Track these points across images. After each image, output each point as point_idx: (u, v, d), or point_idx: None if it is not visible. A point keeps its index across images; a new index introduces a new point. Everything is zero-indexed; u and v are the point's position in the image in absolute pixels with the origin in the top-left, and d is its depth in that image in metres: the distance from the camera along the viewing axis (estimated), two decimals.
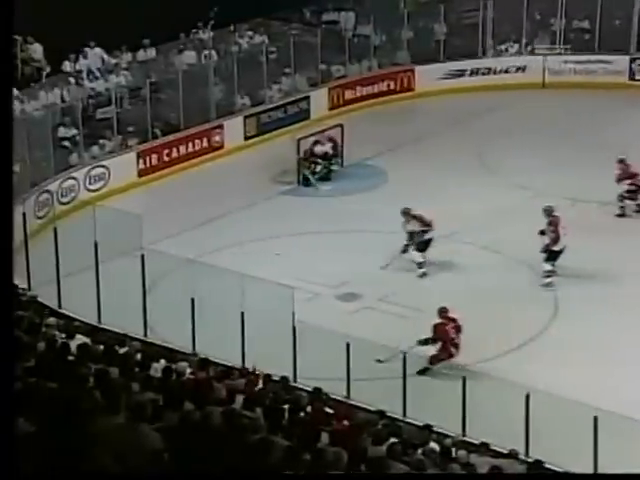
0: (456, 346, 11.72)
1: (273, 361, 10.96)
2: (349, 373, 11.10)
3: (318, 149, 17.62)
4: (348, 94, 20.84)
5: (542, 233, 13.73)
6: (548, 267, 13.63)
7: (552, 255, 13.66)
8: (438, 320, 11.81)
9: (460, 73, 21.68)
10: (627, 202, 15.71)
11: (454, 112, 20.25)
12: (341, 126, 18.20)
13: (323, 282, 14.03)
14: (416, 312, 13.18)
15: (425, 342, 11.74)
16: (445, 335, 11.66)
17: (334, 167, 17.80)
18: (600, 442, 9.34)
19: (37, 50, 18.15)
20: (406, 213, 14.25)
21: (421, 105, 21.07)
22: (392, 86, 21.36)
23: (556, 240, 13.61)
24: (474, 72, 21.72)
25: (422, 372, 11.68)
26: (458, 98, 21.00)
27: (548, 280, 13.65)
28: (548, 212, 13.87)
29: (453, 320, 11.80)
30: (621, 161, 15.62)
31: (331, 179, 17.59)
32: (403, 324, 12.80)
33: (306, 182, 17.52)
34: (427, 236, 14.05)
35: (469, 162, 18.02)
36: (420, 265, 14.04)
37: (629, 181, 15.64)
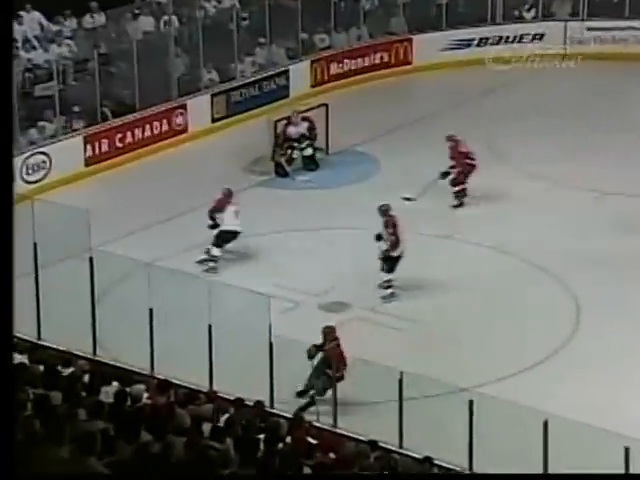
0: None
1: (246, 382, 10.96)
2: (336, 397, 11.12)
3: (292, 131, 17.58)
4: (334, 68, 20.88)
5: (379, 238, 13.65)
6: (388, 277, 13.57)
7: (390, 262, 13.59)
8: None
9: (466, 43, 21.78)
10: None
11: (458, 89, 20.34)
12: (326, 106, 18.22)
13: (304, 289, 14.07)
14: (412, 324, 13.23)
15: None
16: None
17: (318, 154, 17.81)
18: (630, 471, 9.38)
19: None
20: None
21: (419, 81, 21.15)
22: (385, 59, 21.42)
23: (395, 244, 13.59)
24: (482, 42, 21.83)
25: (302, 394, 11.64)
26: (463, 73, 21.09)
27: (388, 291, 13.61)
28: (384, 211, 13.75)
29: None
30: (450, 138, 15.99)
31: (317, 167, 17.58)
32: (398, 338, 12.82)
33: (282, 172, 17.54)
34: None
35: (475, 148, 18.06)
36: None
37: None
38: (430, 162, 17.17)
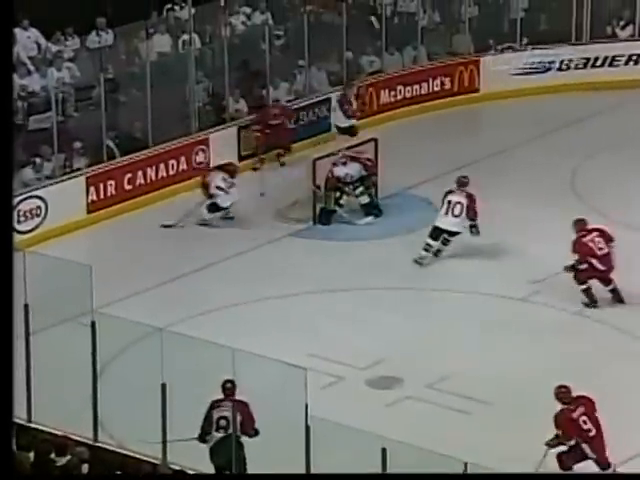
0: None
1: (278, 471, 10.92)
2: None
3: (340, 172, 17.66)
4: (384, 96, 20.97)
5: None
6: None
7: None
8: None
9: (545, 66, 21.79)
10: None
11: (535, 120, 20.32)
12: (374, 141, 18.28)
13: (349, 361, 14.04)
14: (482, 405, 13.11)
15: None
16: None
17: (363, 198, 17.76)
18: None
19: None
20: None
21: (488, 111, 21.17)
22: (447, 85, 21.48)
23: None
24: (565, 64, 21.83)
25: None
26: (541, 101, 21.09)
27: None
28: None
29: None
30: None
31: (381, 213, 17.62)
32: (463, 422, 12.71)
33: (325, 219, 17.57)
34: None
35: (554, 189, 18.04)
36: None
37: None
38: (499, 208, 17.13)
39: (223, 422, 11.64)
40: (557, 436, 11.95)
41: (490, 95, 21.43)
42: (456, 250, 16.40)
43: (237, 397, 11.70)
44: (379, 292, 15.64)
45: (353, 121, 19.70)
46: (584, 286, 15.11)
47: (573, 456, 11.99)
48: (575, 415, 11.94)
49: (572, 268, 14.96)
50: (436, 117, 20.86)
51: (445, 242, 16.31)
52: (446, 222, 16.25)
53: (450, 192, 16.37)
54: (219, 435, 11.65)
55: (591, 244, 15.03)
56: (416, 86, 21.20)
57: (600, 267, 15.01)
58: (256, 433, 11.53)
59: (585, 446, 11.92)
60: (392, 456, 10.75)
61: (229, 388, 11.72)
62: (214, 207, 17.41)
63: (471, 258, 16.32)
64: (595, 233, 15.10)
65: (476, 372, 13.72)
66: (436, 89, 21.33)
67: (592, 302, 15.16)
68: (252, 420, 11.58)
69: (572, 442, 11.89)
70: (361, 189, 17.65)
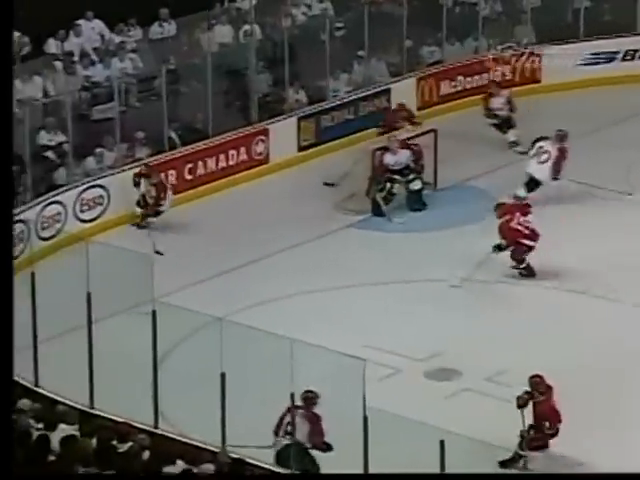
0: None
1: (336, 462, 11.00)
2: None
3: (390, 160, 17.64)
4: (444, 87, 20.93)
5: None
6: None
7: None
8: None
9: (609, 57, 21.62)
10: None
11: (598, 112, 20.17)
12: (434, 132, 18.26)
13: (407, 353, 14.05)
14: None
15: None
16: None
17: (415, 184, 17.72)
18: None
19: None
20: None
21: (549, 103, 21.02)
22: (508, 76, 21.39)
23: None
24: (629, 55, 21.65)
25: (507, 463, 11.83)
26: (605, 92, 20.92)
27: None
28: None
29: None
30: None
31: (425, 207, 17.58)
32: (519, 414, 12.70)
33: (380, 210, 17.60)
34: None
35: (615, 183, 17.87)
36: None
37: None
38: (556, 204, 17.09)
39: (291, 428, 11.64)
40: (536, 426, 12.01)
41: (552, 86, 21.31)
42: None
43: (313, 407, 11.68)
44: (436, 284, 15.63)
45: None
46: (523, 265, 15.46)
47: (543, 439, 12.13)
48: (556, 404, 12.10)
49: (499, 248, 15.43)
50: None
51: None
52: (531, 167, 17.01)
53: (543, 138, 16.76)
54: (285, 441, 11.66)
55: (519, 227, 15.43)
56: (476, 77, 21.13)
57: (530, 242, 15.40)
58: (328, 448, 11.44)
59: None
60: (451, 450, 10.79)
61: (310, 398, 11.71)
62: None
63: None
64: (517, 213, 15.50)
65: (534, 364, 13.67)
66: (496, 80, 21.22)
67: (532, 274, 15.50)
68: (321, 434, 11.51)
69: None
70: (412, 175, 17.63)
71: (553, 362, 13.69)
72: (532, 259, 15.65)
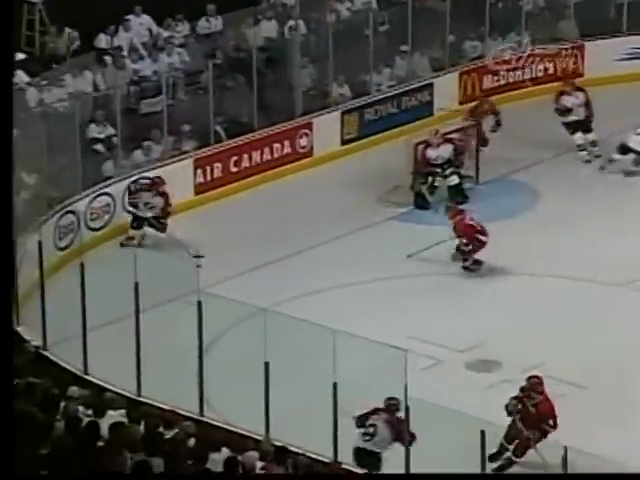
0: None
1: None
2: (484, 470, 11.07)
3: (432, 154, 17.67)
4: (487, 81, 20.89)
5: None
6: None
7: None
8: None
9: None
10: None
11: (638, 106, 20.03)
12: (478, 126, 18.24)
13: (448, 344, 14.09)
14: (579, 390, 13.12)
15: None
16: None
17: (466, 183, 17.81)
18: None
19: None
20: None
21: (592, 97, 20.91)
22: (551, 70, 21.31)
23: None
24: None
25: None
26: None
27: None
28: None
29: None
30: None
31: (466, 199, 17.61)
32: (559, 405, 12.71)
33: (423, 203, 17.62)
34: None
35: None
36: None
37: None
38: (600, 195, 17.02)
39: (371, 430, 11.74)
40: (538, 426, 12.04)
41: (594, 80, 21.13)
42: (557, 236, 16.36)
43: (397, 413, 11.72)
44: (480, 279, 15.65)
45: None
46: (471, 260, 15.66)
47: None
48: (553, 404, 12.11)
49: (461, 251, 15.64)
50: (539, 103, 20.61)
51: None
52: (633, 140, 17.25)
53: None
54: (364, 441, 11.75)
55: (471, 222, 15.73)
56: (519, 71, 21.05)
57: (485, 238, 15.63)
58: (413, 438, 11.43)
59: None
60: (492, 440, 10.85)
61: (393, 404, 11.76)
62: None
63: (571, 244, 16.23)
64: (465, 213, 15.89)
65: (572, 357, 13.69)
66: (539, 75, 21.17)
67: (479, 264, 15.75)
68: (402, 433, 11.51)
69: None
70: (450, 170, 17.64)
71: (591, 356, 13.71)
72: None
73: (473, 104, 19.22)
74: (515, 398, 12.12)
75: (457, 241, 15.80)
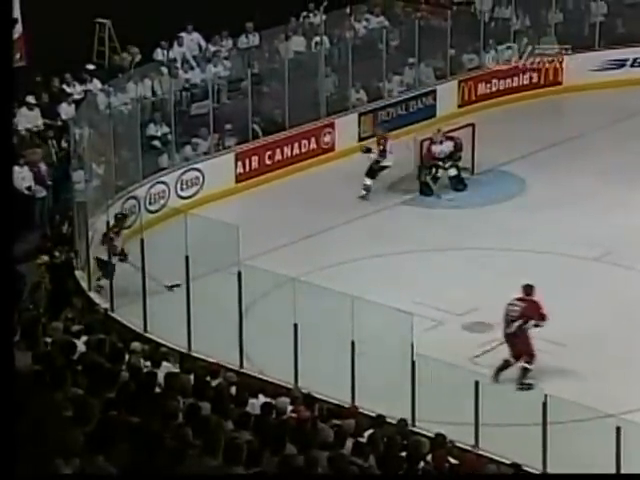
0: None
1: (388, 400, 11.00)
2: (477, 417, 11.01)
3: (436, 149, 17.58)
4: (482, 88, 20.75)
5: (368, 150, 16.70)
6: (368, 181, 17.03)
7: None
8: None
9: (620, 63, 21.26)
10: None
11: (610, 111, 19.88)
12: (472, 126, 18.13)
13: (447, 308, 14.03)
14: (559, 347, 13.01)
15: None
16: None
17: (463, 173, 17.72)
18: None
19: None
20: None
21: (570, 101, 20.79)
22: (535, 79, 21.14)
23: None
24: (637, 62, 21.27)
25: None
26: (616, 94, 20.61)
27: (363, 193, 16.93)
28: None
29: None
30: None
31: (465, 187, 17.49)
32: (543, 361, 12.63)
33: (427, 191, 17.53)
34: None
35: (627, 169, 17.63)
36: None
37: None
38: (578, 182, 16.87)
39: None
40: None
41: (571, 87, 21.02)
42: (542, 217, 16.24)
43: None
44: (473, 252, 15.55)
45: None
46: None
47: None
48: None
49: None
50: (524, 106, 20.56)
51: None
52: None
53: None
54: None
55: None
56: (509, 80, 20.91)
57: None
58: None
59: None
60: (485, 391, 10.78)
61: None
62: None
63: (555, 223, 16.08)
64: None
65: (554, 319, 13.57)
66: (525, 82, 21.01)
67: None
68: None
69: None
70: (450, 163, 17.52)
71: (570, 318, 13.57)
72: None
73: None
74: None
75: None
